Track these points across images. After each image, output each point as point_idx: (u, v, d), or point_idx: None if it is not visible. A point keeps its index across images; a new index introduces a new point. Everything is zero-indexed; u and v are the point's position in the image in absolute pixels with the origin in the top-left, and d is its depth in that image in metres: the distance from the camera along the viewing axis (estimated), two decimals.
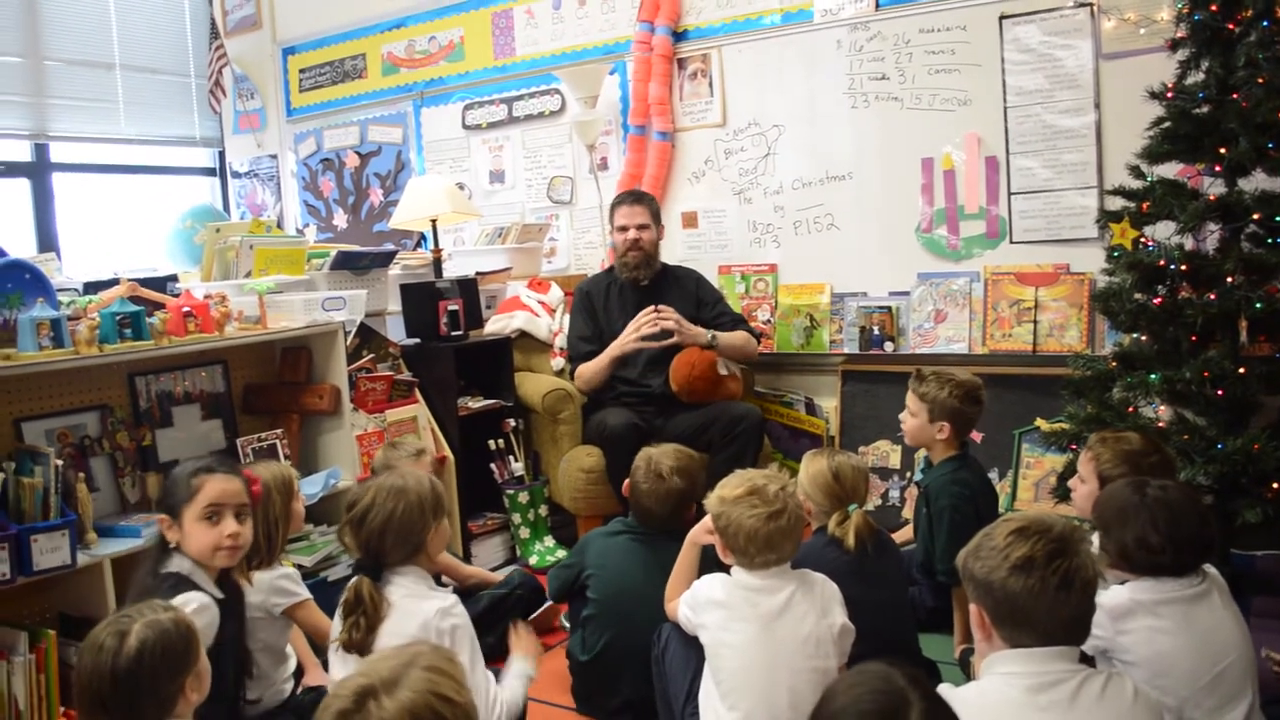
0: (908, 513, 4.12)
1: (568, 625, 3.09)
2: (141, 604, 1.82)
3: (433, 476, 2.49)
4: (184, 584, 2.26)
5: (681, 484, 2.79)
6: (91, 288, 3.82)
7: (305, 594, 2.66)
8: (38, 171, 5.76)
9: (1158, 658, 2.02)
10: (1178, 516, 2.08)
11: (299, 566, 3.02)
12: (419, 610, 2.28)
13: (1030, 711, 1.62)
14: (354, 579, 2.30)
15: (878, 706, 1.31)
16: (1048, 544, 1.65)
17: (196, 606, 2.18)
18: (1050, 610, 1.63)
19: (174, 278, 4.23)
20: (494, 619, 3.11)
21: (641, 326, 4.00)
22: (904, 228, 4.37)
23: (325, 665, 2.56)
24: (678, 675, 2.36)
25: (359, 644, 2.23)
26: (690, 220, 4.90)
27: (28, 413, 2.94)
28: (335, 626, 2.32)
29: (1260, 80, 2.92)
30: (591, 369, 4.09)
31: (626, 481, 2.87)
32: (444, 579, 3.24)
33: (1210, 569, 2.15)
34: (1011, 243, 4.15)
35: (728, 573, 2.29)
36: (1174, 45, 3.15)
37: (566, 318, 4.42)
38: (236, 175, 6.67)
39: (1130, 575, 2.11)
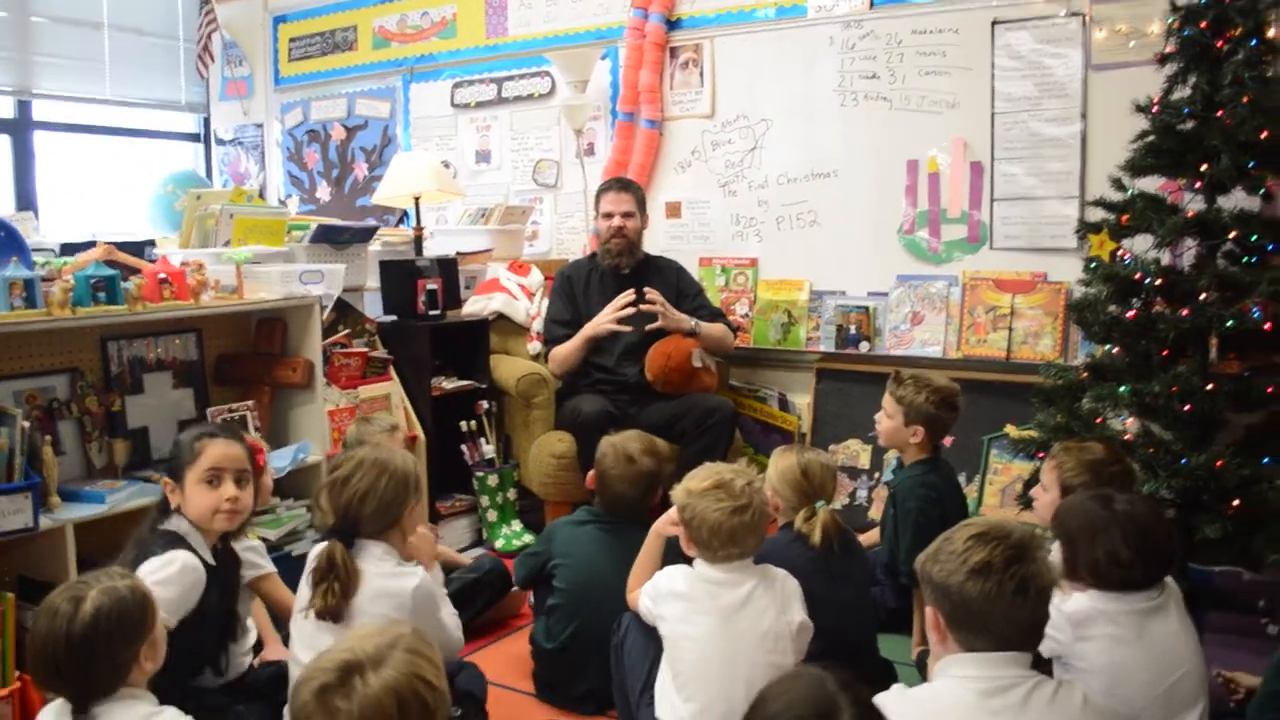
0: (875, 513, 4.14)
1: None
2: (99, 570, 1.82)
3: (413, 456, 2.51)
4: (177, 543, 2.28)
5: (651, 465, 2.82)
6: (69, 248, 3.79)
7: (270, 567, 2.68)
8: (19, 129, 5.69)
9: (1114, 666, 2.04)
10: (1147, 531, 2.11)
11: (264, 540, 3.01)
12: (394, 589, 2.29)
13: (981, 715, 1.64)
14: (325, 544, 2.30)
15: (809, 711, 1.32)
16: (1006, 550, 1.66)
17: (180, 566, 2.21)
18: (1005, 615, 1.65)
19: (151, 243, 4.20)
20: (462, 602, 3.12)
21: (621, 309, 4.00)
22: (886, 228, 4.38)
23: (285, 640, 2.56)
24: (636, 665, 2.37)
25: (333, 610, 2.24)
26: (674, 210, 4.90)
27: None
28: (302, 595, 2.32)
29: (1245, 99, 2.94)
30: (565, 350, 4.09)
31: (591, 473, 2.88)
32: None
33: (1169, 581, 2.18)
34: (992, 248, 4.17)
35: (690, 565, 2.30)
36: (1163, 59, 3.17)
37: (545, 302, 4.42)
38: (221, 142, 6.61)
39: (1094, 588, 2.13)
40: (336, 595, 2.24)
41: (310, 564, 2.32)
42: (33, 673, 1.74)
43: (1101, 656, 2.06)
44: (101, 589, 1.75)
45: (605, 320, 4.02)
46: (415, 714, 1.32)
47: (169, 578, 2.19)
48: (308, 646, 2.24)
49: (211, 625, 2.36)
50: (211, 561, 2.34)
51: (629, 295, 4.02)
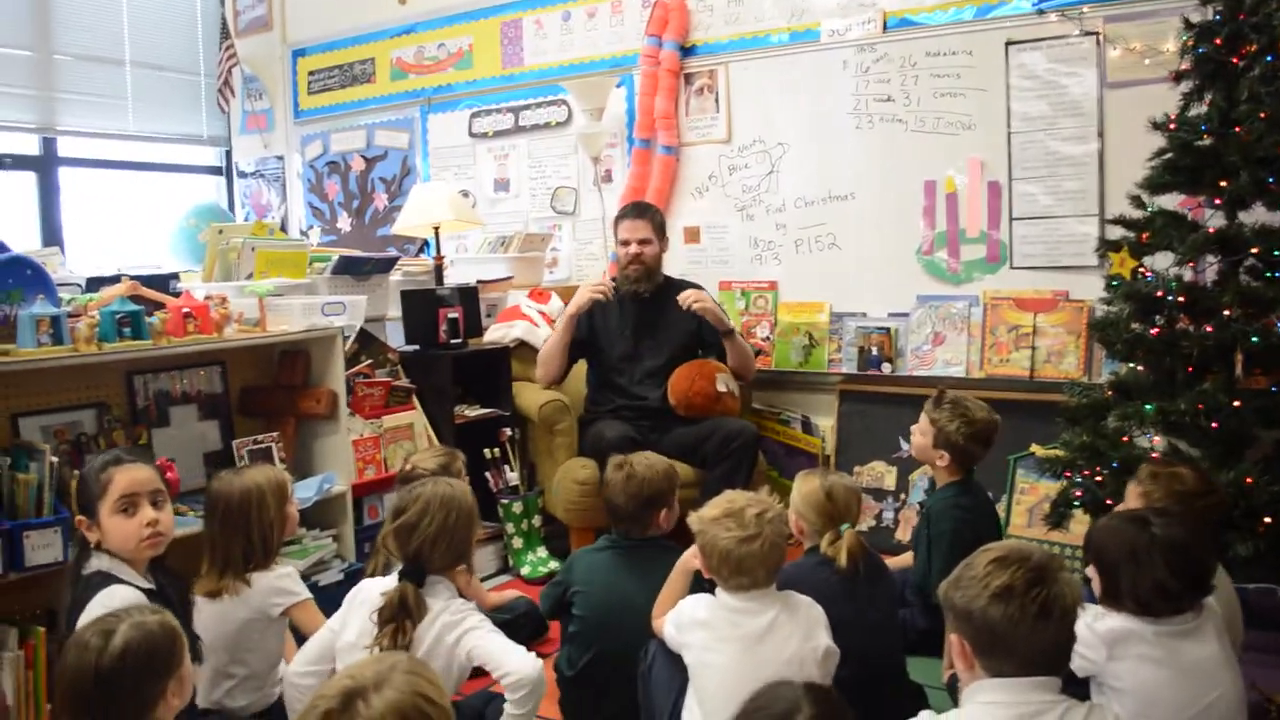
0: (902, 535, 4.13)
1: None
2: (130, 605, 1.83)
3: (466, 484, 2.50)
4: (107, 581, 2.24)
5: (648, 475, 2.77)
6: (94, 283, 3.83)
7: (305, 593, 2.64)
8: (45, 165, 5.78)
9: (1145, 687, 2.02)
10: (1191, 559, 2.07)
11: None
12: (438, 618, 2.30)
13: None
14: (397, 585, 2.30)
15: (773, 710, 1.36)
16: (1027, 573, 1.66)
17: (120, 604, 2.14)
18: (1029, 639, 1.64)
19: (175, 276, 4.24)
20: None
21: (594, 288, 4.12)
22: (904, 249, 4.38)
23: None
24: (662, 693, 2.36)
25: (398, 649, 2.23)
26: (692, 235, 4.91)
27: (25, 408, 2.96)
28: (356, 629, 2.31)
29: (1262, 115, 2.93)
30: (547, 344, 4.15)
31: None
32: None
33: (1208, 601, 2.15)
34: (1012, 268, 4.16)
35: (714, 593, 2.29)
36: (1178, 77, 3.17)
37: None
38: (242, 175, 6.69)
39: (1136, 615, 2.10)
40: (408, 634, 2.25)
41: (376, 603, 2.30)
42: (59, 706, 1.74)
43: (1133, 677, 2.04)
44: (132, 623, 1.75)
45: (583, 295, 4.11)
46: None
47: None
48: None
49: None
50: (150, 586, 2.29)
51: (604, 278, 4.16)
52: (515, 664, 2.23)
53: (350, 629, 2.32)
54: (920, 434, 3.20)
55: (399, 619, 2.25)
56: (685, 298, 4.05)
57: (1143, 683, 2.03)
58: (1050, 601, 1.64)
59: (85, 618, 2.08)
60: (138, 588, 2.25)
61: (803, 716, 1.33)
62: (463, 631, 2.29)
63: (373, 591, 2.34)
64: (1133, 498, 2.55)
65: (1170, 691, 2.01)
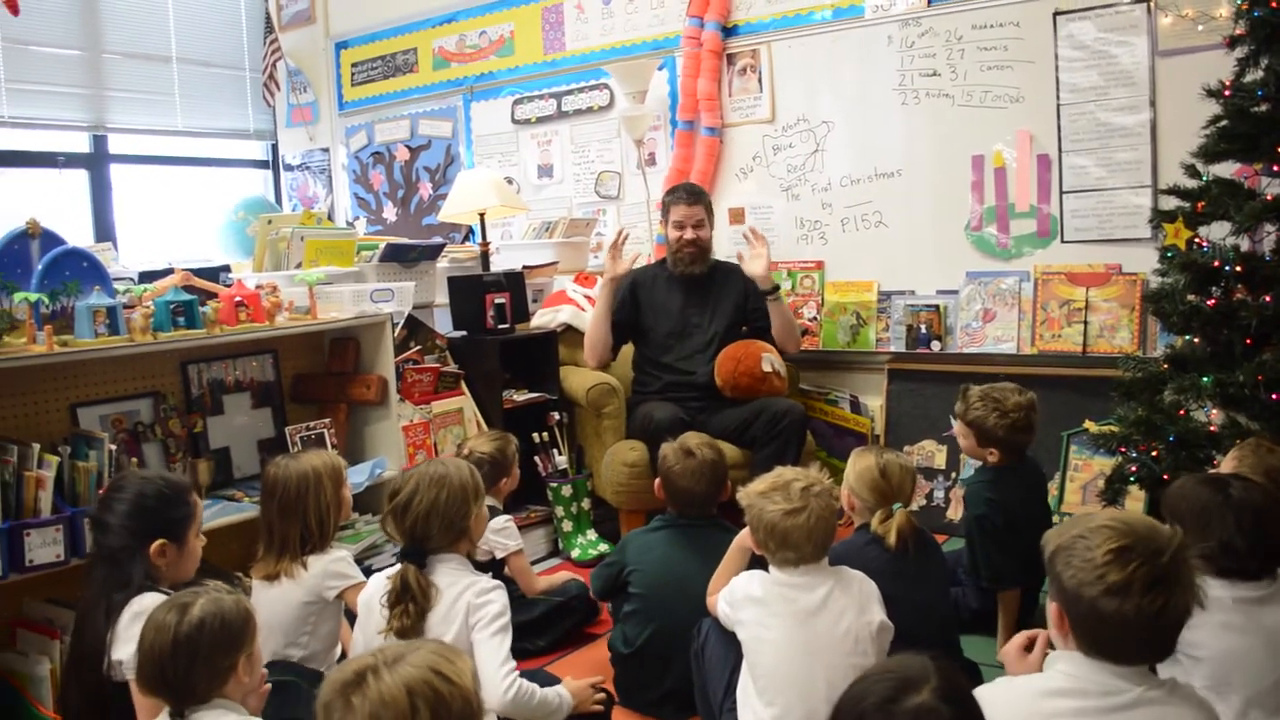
0: (953, 513, 4.09)
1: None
2: (202, 586, 1.87)
3: (470, 465, 2.50)
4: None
5: (712, 455, 2.83)
6: (147, 277, 3.88)
7: (360, 576, 2.66)
8: (96, 163, 5.88)
9: (1226, 655, 1.98)
10: (1264, 520, 2.03)
11: None
12: (474, 603, 2.30)
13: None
14: (398, 567, 2.32)
15: (896, 677, 1.33)
16: (1148, 571, 1.54)
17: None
18: (1139, 638, 1.56)
19: (226, 268, 4.29)
20: (548, 624, 3.21)
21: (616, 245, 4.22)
22: (953, 226, 4.33)
23: None
24: (716, 670, 2.36)
25: (410, 631, 2.25)
26: (737, 216, 4.89)
27: (83, 398, 3.02)
28: (376, 616, 2.33)
29: None
30: (591, 320, 4.19)
31: (657, 481, 2.88)
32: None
33: None
34: (1063, 242, 4.10)
35: (767, 570, 2.29)
36: (1232, 42, 3.09)
37: None
38: (289, 168, 6.75)
39: (1203, 574, 2.07)
40: (411, 617, 2.26)
41: (384, 586, 2.33)
42: (139, 677, 1.80)
43: (1213, 645, 1.98)
44: (208, 598, 1.81)
45: (613, 265, 4.18)
46: (429, 705, 1.33)
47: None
48: None
49: None
50: None
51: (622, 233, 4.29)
52: (485, 686, 2.18)
53: (373, 618, 2.34)
54: (963, 436, 3.17)
55: (404, 601, 2.26)
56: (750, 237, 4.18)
57: (1226, 650, 1.98)
58: (1167, 610, 1.53)
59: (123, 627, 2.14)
60: None
61: (929, 686, 1.31)
62: (478, 620, 2.28)
63: (380, 579, 2.37)
64: (1228, 461, 2.51)
65: (1251, 658, 1.97)
